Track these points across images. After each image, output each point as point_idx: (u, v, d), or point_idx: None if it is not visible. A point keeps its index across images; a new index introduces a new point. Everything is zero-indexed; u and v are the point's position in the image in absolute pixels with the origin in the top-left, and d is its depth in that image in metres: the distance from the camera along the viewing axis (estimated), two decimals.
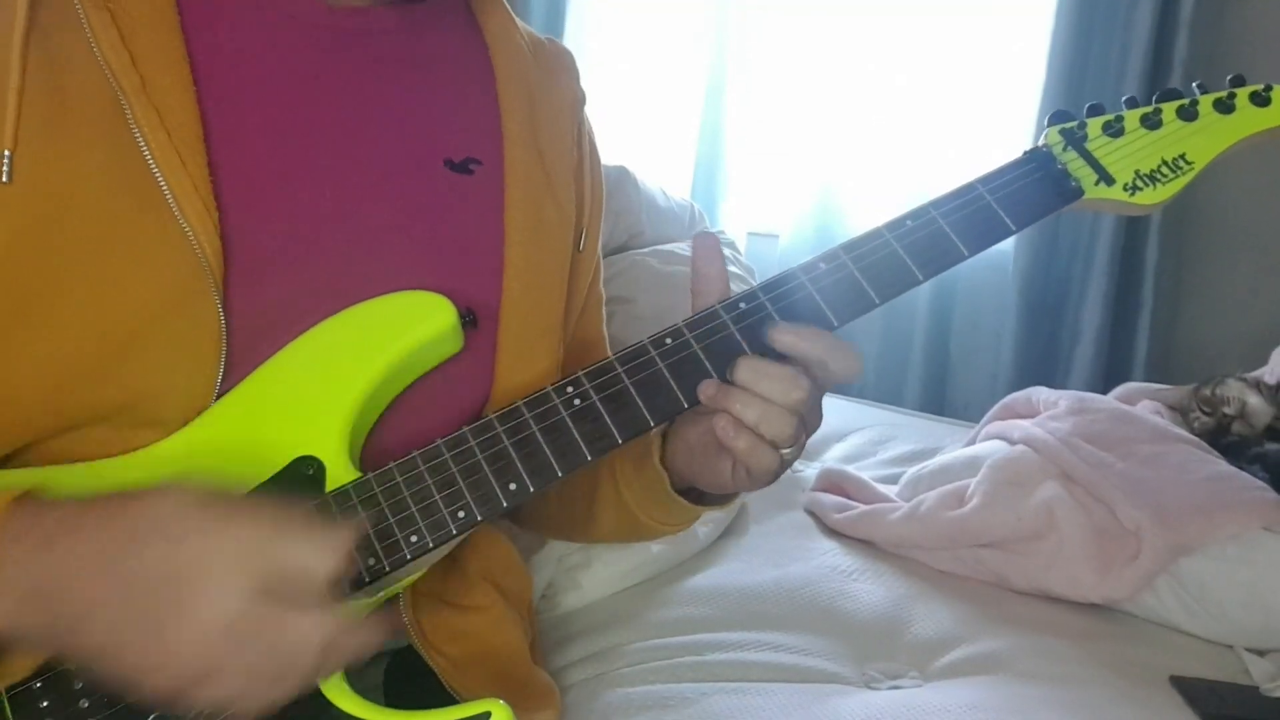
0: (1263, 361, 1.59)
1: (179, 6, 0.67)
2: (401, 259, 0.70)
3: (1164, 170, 0.72)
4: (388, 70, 0.74)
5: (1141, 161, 0.72)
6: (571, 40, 2.42)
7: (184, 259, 0.62)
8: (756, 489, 0.70)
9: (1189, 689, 1.03)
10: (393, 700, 0.76)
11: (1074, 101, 2.05)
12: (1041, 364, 2.19)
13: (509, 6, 0.83)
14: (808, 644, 1.06)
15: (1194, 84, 0.75)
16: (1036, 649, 1.08)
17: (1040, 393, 1.50)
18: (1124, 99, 0.75)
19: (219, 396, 0.65)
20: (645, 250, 1.69)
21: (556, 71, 0.82)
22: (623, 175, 1.72)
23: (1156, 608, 1.19)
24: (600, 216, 0.85)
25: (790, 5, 2.29)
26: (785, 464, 0.67)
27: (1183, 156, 0.72)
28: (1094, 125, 0.74)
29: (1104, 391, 1.58)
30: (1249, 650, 1.14)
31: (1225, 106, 0.73)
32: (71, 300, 0.62)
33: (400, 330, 0.67)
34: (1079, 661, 1.06)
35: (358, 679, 0.61)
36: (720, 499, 0.77)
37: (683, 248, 1.74)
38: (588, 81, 0.85)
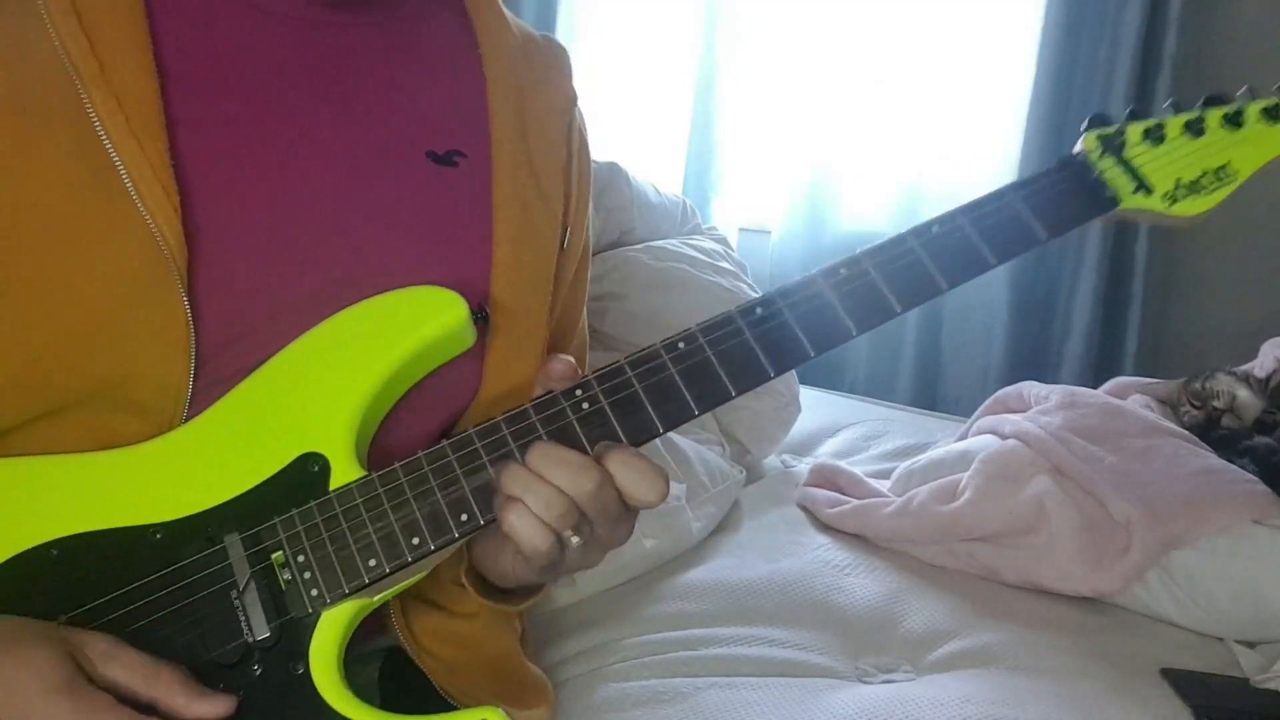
0: (1252, 355, 1.59)
1: None
2: (383, 250, 0.70)
3: (1206, 180, 0.69)
4: (367, 61, 0.74)
5: (1183, 170, 0.69)
6: (562, 36, 2.42)
7: (144, 244, 0.62)
8: (538, 579, 0.67)
9: (1180, 681, 1.03)
10: (387, 700, 0.76)
11: (1063, 96, 2.06)
12: (1032, 358, 2.20)
13: (502, 4, 0.83)
14: (801, 638, 1.07)
15: (1243, 88, 0.71)
16: (1028, 642, 1.09)
17: (1031, 387, 1.51)
18: (1167, 104, 0.72)
19: (195, 382, 0.65)
20: (637, 246, 1.69)
21: (549, 70, 0.82)
22: (614, 171, 1.72)
23: (1147, 600, 1.19)
24: (585, 213, 0.84)
25: (781, 1, 2.29)
26: (567, 559, 0.62)
27: (1226, 166, 0.69)
28: (1134, 132, 0.70)
29: (1094, 385, 1.58)
30: (1239, 642, 1.14)
31: (1273, 115, 0.70)
32: (36, 288, 0.62)
33: (410, 326, 0.66)
34: (1071, 654, 1.07)
35: (351, 679, 0.61)
36: (510, 595, 0.74)
37: (675, 244, 1.74)
38: (579, 77, 0.85)
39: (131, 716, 0.54)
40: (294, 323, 0.66)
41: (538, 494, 0.59)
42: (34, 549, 0.62)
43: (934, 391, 2.34)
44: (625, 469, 0.60)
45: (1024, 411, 1.45)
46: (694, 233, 1.87)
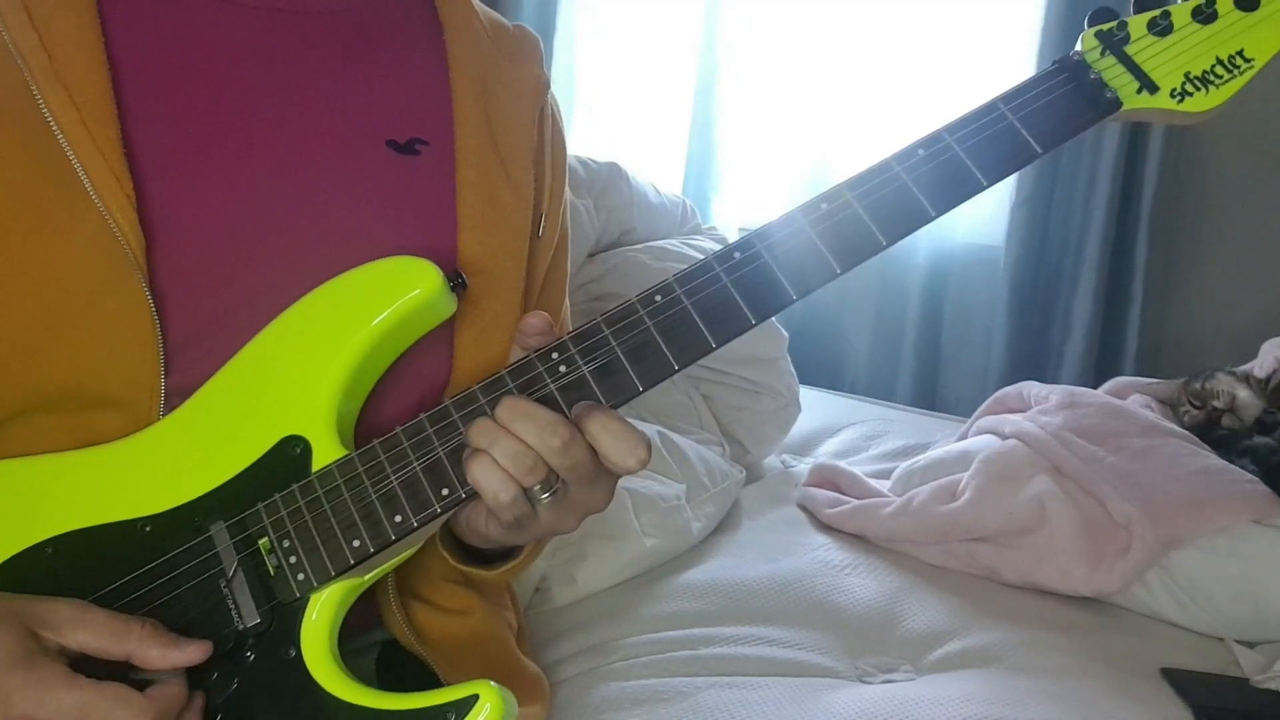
0: (1251, 355, 1.59)
1: None
2: (345, 240, 0.70)
3: (1218, 70, 0.63)
4: (327, 50, 0.74)
5: (1192, 62, 0.64)
6: (562, 36, 2.42)
7: (100, 234, 0.63)
8: (511, 539, 0.66)
9: (1180, 681, 1.03)
10: (386, 690, 0.76)
11: None
12: (1032, 358, 2.20)
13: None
14: (801, 638, 1.07)
15: None
16: (1028, 642, 1.08)
17: (1031, 387, 1.51)
18: None
19: (167, 375, 0.65)
20: (637, 246, 1.69)
21: (517, 57, 0.82)
22: (614, 171, 1.72)
23: (1147, 600, 1.19)
24: (561, 200, 0.83)
25: (781, 1, 2.28)
26: (535, 518, 0.62)
27: (1240, 53, 0.63)
28: (1137, 24, 0.65)
29: (1094, 385, 1.58)
30: (1239, 642, 1.14)
31: None
32: None
33: (385, 298, 0.65)
34: (1071, 654, 1.07)
35: (350, 668, 0.61)
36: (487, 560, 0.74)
37: (675, 244, 1.74)
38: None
39: (85, 684, 0.54)
40: (260, 312, 0.66)
41: (503, 446, 0.58)
42: (30, 548, 0.62)
43: (934, 391, 2.34)
44: (604, 431, 0.59)
45: (1024, 411, 1.45)
46: (694, 233, 1.87)
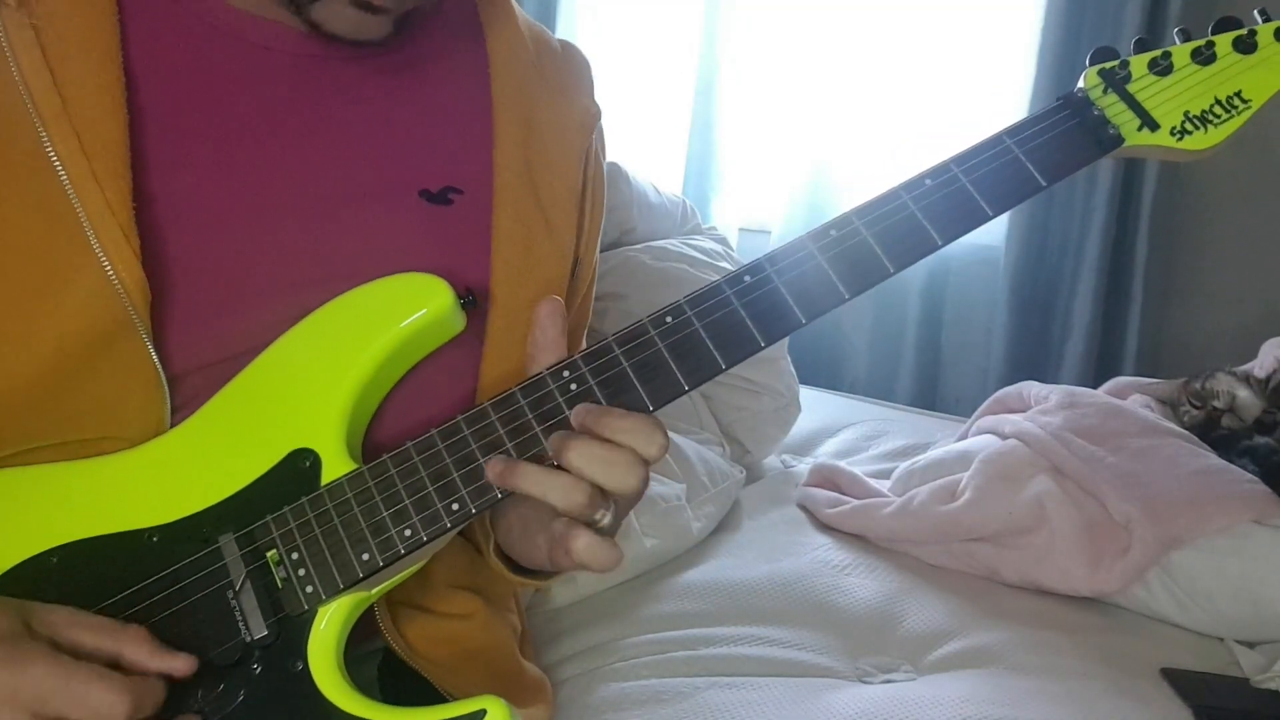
0: (1251, 355, 1.59)
1: (123, 28, 0.64)
2: None
3: (1217, 110, 0.65)
4: (365, 95, 0.71)
5: (1192, 102, 0.66)
6: (562, 36, 2.41)
7: (102, 289, 0.60)
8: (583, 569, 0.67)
9: (1180, 681, 1.03)
10: (388, 697, 0.76)
11: (1069, 69, 2.05)
12: (1032, 358, 2.20)
13: (519, 11, 0.79)
14: (801, 638, 1.07)
15: (1255, 11, 0.68)
16: (1028, 642, 1.09)
17: (1031, 387, 1.51)
18: (1176, 30, 0.69)
19: (175, 424, 0.64)
20: (637, 246, 1.69)
21: (565, 87, 0.79)
22: (614, 171, 1.72)
23: (1147, 600, 1.19)
24: (597, 240, 0.82)
25: (782, 1, 2.29)
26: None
27: (1238, 94, 0.66)
28: (1138, 63, 0.67)
29: (1094, 385, 1.58)
30: (1239, 642, 1.14)
31: None
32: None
33: (395, 314, 0.65)
34: (1071, 654, 1.07)
35: (351, 678, 0.60)
36: (539, 574, 0.75)
37: (675, 244, 1.74)
38: None
39: (66, 660, 0.53)
40: None
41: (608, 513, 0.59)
42: (35, 557, 0.61)
43: (934, 391, 2.34)
44: (619, 433, 0.59)
45: (1024, 411, 1.45)
46: (694, 233, 1.88)
